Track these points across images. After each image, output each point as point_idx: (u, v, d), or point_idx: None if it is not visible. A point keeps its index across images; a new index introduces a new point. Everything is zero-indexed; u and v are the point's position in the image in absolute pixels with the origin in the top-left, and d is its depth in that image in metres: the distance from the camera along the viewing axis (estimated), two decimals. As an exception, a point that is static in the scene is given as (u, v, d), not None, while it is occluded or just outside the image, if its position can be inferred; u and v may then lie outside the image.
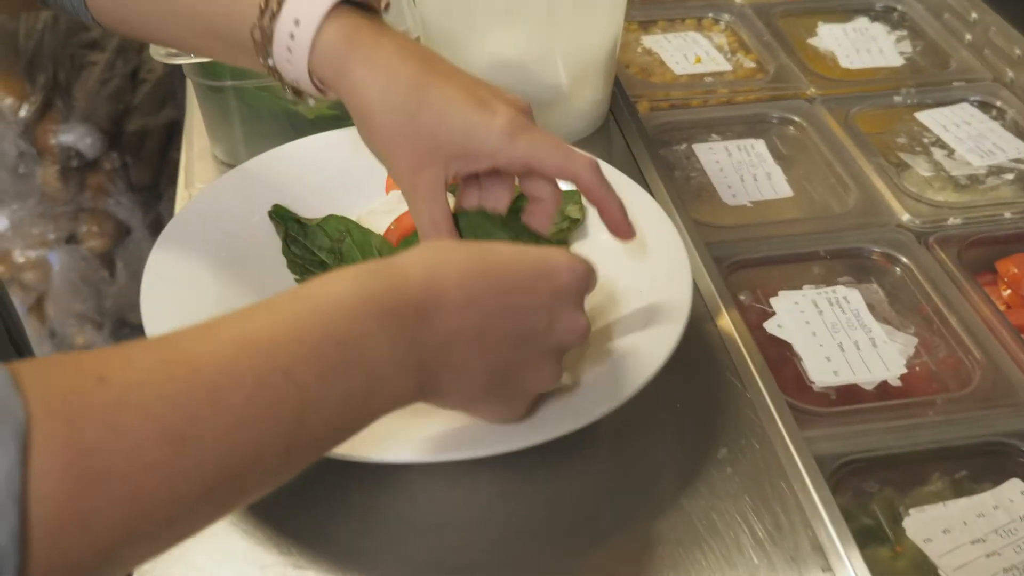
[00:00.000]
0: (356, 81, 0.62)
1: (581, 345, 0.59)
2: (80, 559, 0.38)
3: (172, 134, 1.86)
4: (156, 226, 1.81)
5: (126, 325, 1.86)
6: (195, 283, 0.70)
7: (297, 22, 0.61)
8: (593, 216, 0.78)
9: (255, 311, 0.47)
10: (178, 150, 1.86)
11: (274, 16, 0.61)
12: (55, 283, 1.83)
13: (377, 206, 0.80)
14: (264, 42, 0.62)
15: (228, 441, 0.42)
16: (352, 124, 0.85)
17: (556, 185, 0.66)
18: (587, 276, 0.57)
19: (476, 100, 0.62)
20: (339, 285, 0.49)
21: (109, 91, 1.84)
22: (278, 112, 0.86)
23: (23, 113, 1.73)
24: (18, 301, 1.81)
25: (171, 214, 1.81)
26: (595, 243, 0.77)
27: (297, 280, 0.75)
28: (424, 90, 0.61)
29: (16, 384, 0.38)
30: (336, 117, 0.87)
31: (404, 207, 0.78)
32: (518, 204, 0.68)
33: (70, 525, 0.38)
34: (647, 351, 0.65)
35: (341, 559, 0.61)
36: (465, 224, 0.67)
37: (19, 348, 0.86)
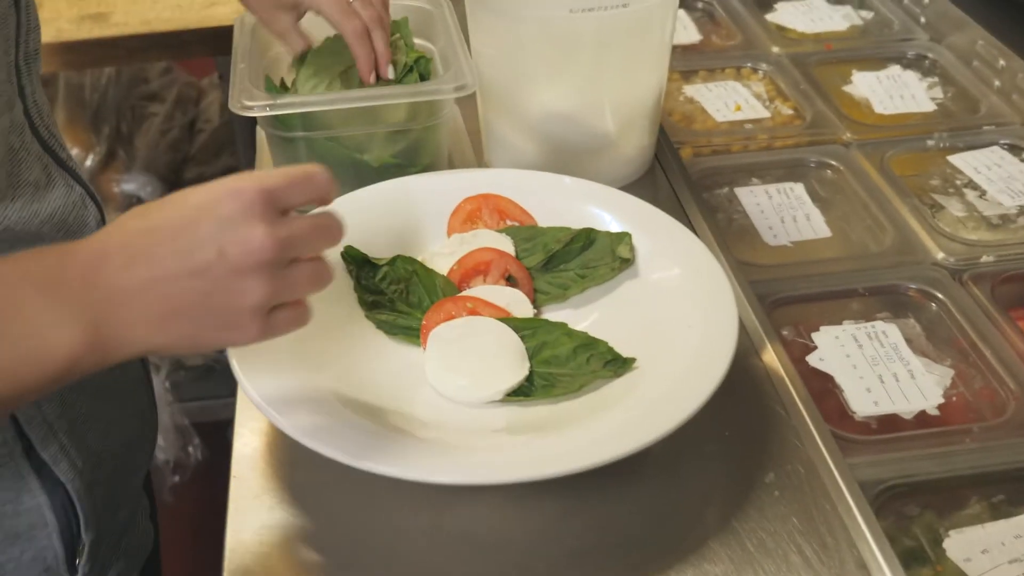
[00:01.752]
0: None
1: (273, 257, 0.57)
2: None
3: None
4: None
5: (182, 368, 1.94)
6: None
7: None
8: (644, 256, 0.83)
9: None
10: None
11: None
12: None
13: (440, 248, 0.85)
14: None
15: None
16: (414, 172, 0.92)
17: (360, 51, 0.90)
18: (253, 194, 0.57)
19: None
20: (4, 264, 0.55)
21: (168, 141, 1.92)
22: (345, 161, 0.92)
23: (89, 163, 1.81)
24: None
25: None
26: (647, 282, 0.82)
27: (367, 316, 0.80)
28: None
29: None
30: (399, 166, 0.93)
31: (465, 249, 0.84)
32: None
33: None
34: (696, 382, 0.70)
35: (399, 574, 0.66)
36: (311, 59, 0.95)
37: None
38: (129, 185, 1.83)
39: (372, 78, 0.91)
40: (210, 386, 1.91)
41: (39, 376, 0.54)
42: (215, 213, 0.56)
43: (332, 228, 0.61)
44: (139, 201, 1.86)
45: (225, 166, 1.96)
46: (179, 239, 0.56)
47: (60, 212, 0.77)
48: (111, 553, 0.82)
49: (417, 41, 1.00)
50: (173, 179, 1.89)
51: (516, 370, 0.74)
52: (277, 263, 0.57)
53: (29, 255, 0.56)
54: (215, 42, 1.53)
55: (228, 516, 0.70)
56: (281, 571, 0.66)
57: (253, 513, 0.69)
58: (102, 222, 0.83)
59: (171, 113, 1.95)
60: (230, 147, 1.98)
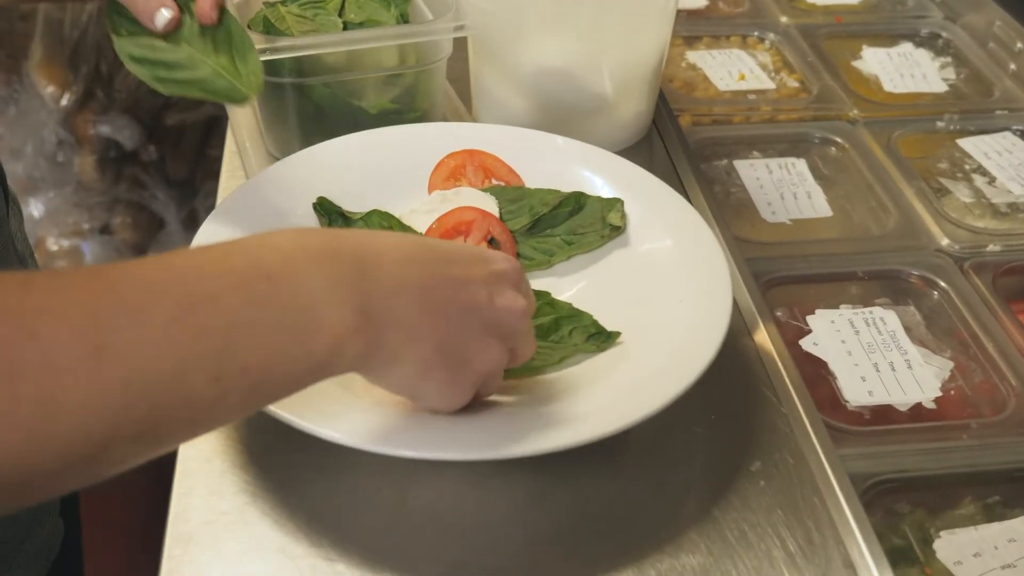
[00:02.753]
0: None
1: (522, 329, 0.59)
2: None
3: (211, 130, 1.88)
4: (190, 220, 1.83)
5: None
6: None
7: None
8: (636, 225, 0.78)
9: (186, 250, 0.49)
10: (216, 146, 1.88)
11: None
12: (87, 272, 1.85)
13: (419, 206, 0.80)
14: None
15: (148, 356, 0.42)
16: (406, 122, 0.87)
17: None
18: (520, 269, 0.60)
19: None
20: (275, 235, 0.51)
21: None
22: (341, 107, 0.86)
23: (64, 102, 1.75)
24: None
25: (207, 209, 1.82)
26: (637, 252, 0.77)
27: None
28: None
29: None
30: (397, 111, 0.88)
31: (445, 207, 0.79)
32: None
33: None
34: (685, 362, 0.65)
35: (371, 554, 0.61)
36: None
37: None
38: (105, 127, 1.77)
39: (213, 17, 0.74)
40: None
41: (300, 355, 0.48)
42: (492, 265, 0.57)
43: (531, 351, 0.63)
44: (116, 145, 1.80)
45: (208, 114, 1.90)
46: (456, 266, 0.55)
47: None
48: (10, 558, 0.76)
49: None
50: (152, 124, 1.83)
51: None
52: (517, 339, 0.58)
53: (293, 230, 0.52)
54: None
55: (175, 478, 0.65)
56: (228, 541, 0.61)
57: (202, 476, 0.65)
58: (4, 197, 0.78)
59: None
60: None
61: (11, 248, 0.81)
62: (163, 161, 1.83)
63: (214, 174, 1.87)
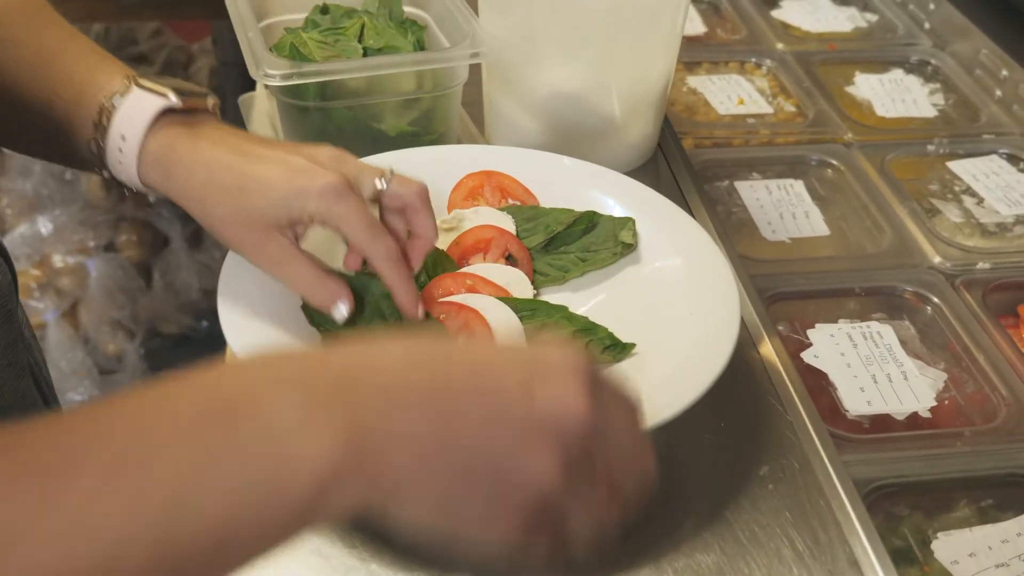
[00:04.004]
0: (181, 184, 0.66)
1: (584, 438, 0.44)
2: None
3: (214, 149, 1.91)
4: (195, 238, 1.86)
5: (158, 335, 1.91)
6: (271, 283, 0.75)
7: (123, 137, 0.66)
8: (647, 243, 0.82)
9: (128, 393, 0.40)
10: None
11: (104, 131, 0.66)
12: (91, 290, 1.88)
13: (439, 223, 0.83)
14: (99, 154, 0.67)
15: (70, 541, 0.35)
16: (423, 144, 0.91)
17: (430, 226, 0.71)
18: (588, 363, 0.46)
19: (293, 171, 0.65)
20: (241, 363, 0.43)
21: (155, 105, 1.89)
22: (362, 130, 0.90)
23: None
24: (52, 306, 1.86)
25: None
26: (648, 268, 0.81)
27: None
28: (242, 177, 0.65)
29: None
30: (415, 134, 0.92)
31: (465, 225, 0.83)
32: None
33: None
34: (697, 371, 0.69)
35: (401, 552, 0.65)
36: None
37: (41, 389, 0.81)
38: (114, 147, 1.80)
39: (420, 312, 0.71)
40: (186, 354, 1.89)
41: (273, 505, 0.39)
42: (538, 358, 0.44)
43: (646, 474, 0.48)
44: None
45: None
46: (474, 352, 0.46)
47: None
48: None
49: (407, 9, 0.99)
50: (159, 143, 1.86)
51: None
52: (586, 454, 0.44)
53: (268, 354, 0.43)
54: (211, 4, 1.50)
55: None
56: (268, 540, 0.65)
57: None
58: (13, 283, 0.74)
59: (159, 76, 1.93)
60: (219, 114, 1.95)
61: (20, 340, 0.77)
62: (168, 180, 1.86)
63: (218, 193, 1.90)
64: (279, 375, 0.41)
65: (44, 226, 1.81)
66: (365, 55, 0.93)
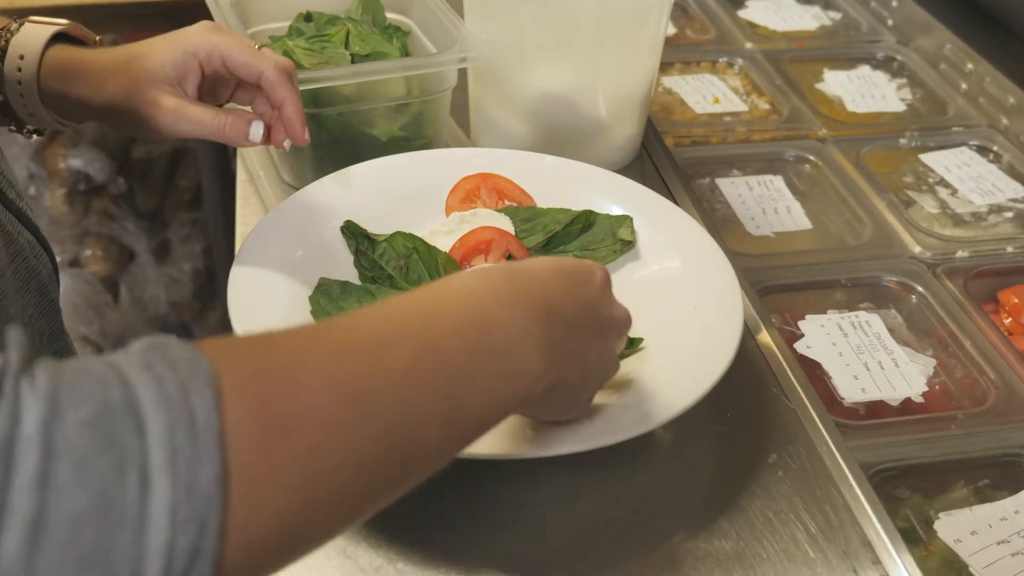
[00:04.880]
0: (79, 81, 0.74)
1: (626, 331, 0.64)
2: (272, 517, 0.38)
3: (178, 161, 1.89)
4: (161, 251, 1.84)
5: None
6: (276, 284, 0.75)
7: (22, 57, 0.73)
8: (645, 240, 0.84)
9: (389, 301, 0.51)
10: (184, 177, 1.89)
11: (2, 54, 0.74)
12: (55, 305, 1.85)
13: (439, 227, 0.85)
14: None
15: (395, 402, 0.44)
16: (415, 148, 0.91)
17: (288, 92, 0.74)
18: (608, 273, 0.63)
19: (175, 37, 0.75)
20: (460, 282, 0.53)
21: (116, 118, 1.87)
22: (354, 135, 0.91)
23: (34, 137, 1.75)
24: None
25: (181, 239, 1.82)
26: (649, 265, 0.82)
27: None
28: (129, 51, 0.74)
29: (195, 346, 0.40)
30: (407, 138, 0.92)
31: (464, 228, 0.83)
32: None
33: (262, 476, 0.38)
34: (706, 362, 0.71)
35: (428, 551, 0.65)
36: None
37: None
38: (76, 161, 1.78)
39: (304, 134, 0.75)
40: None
41: (509, 396, 0.51)
42: (597, 277, 0.60)
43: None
44: (86, 178, 1.80)
45: (174, 146, 1.91)
46: (585, 288, 0.59)
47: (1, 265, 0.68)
48: None
49: (390, 15, 1.00)
50: (122, 157, 1.84)
51: None
52: (622, 339, 0.63)
53: (473, 273, 0.54)
54: (177, 17, 1.49)
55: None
56: (292, 545, 0.65)
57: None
58: (55, 273, 0.77)
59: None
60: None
61: (62, 331, 0.80)
62: (132, 193, 1.84)
63: (184, 205, 1.89)
64: (499, 297, 0.52)
65: (6, 243, 1.78)
66: (352, 62, 0.93)
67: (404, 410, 0.44)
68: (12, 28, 0.75)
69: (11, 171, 0.76)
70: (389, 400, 0.44)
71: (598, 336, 0.59)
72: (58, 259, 1.80)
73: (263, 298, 0.74)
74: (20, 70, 0.73)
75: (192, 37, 0.74)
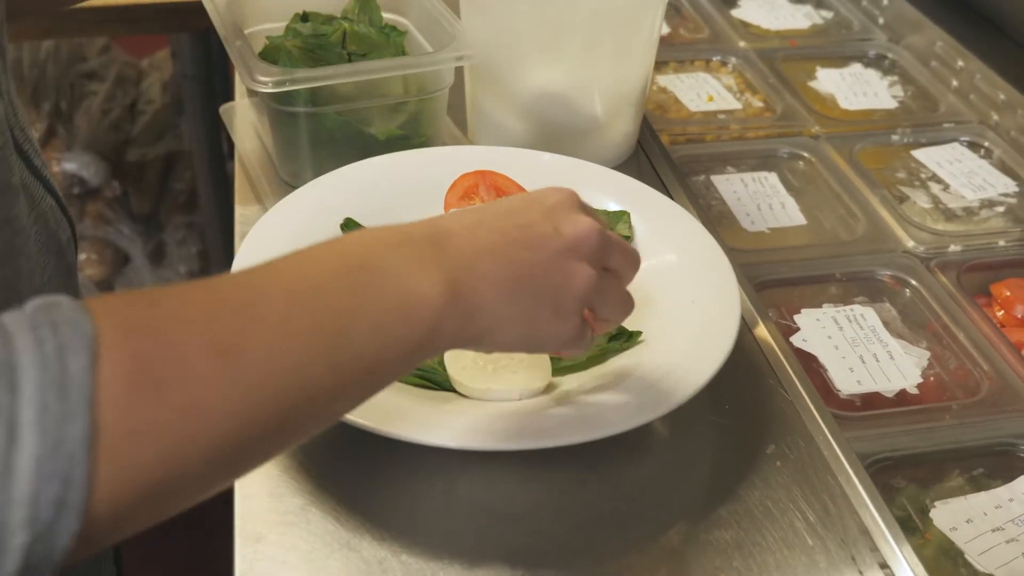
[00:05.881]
0: None
1: (598, 244, 0.60)
2: (142, 472, 0.40)
3: (172, 164, 1.90)
4: (156, 254, 1.85)
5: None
6: None
7: None
8: (642, 235, 0.84)
9: (279, 258, 0.51)
10: (179, 180, 1.90)
11: None
12: (50, 309, 1.84)
13: (437, 223, 0.85)
14: None
15: (270, 352, 0.45)
16: (413, 147, 0.92)
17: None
18: (575, 194, 0.62)
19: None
20: (348, 236, 0.55)
21: (110, 121, 1.88)
22: (353, 134, 0.91)
23: (29, 140, 1.76)
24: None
25: (177, 242, 1.82)
26: (647, 259, 0.82)
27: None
28: None
29: (83, 306, 0.42)
30: (405, 137, 0.93)
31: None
32: None
33: (132, 433, 0.40)
34: (705, 354, 0.71)
35: (431, 543, 0.65)
36: None
37: None
38: (71, 164, 1.78)
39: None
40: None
41: (407, 333, 0.50)
42: (544, 201, 0.60)
43: (635, 259, 0.64)
44: (80, 181, 1.81)
45: (167, 149, 1.92)
46: (515, 215, 0.58)
47: (25, 224, 0.68)
48: None
49: (386, 15, 1.00)
50: (116, 160, 1.84)
51: (536, 376, 0.73)
52: (599, 255, 0.60)
53: (361, 230, 0.55)
54: (169, 19, 1.50)
55: (235, 486, 0.69)
56: (295, 537, 0.65)
57: (261, 479, 0.69)
58: (73, 239, 0.77)
59: (112, 92, 1.91)
60: (173, 129, 1.94)
61: (78, 296, 0.80)
62: (127, 196, 1.85)
63: (179, 208, 1.89)
64: (387, 241, 0.53)
65: (1, 247, 1.78)
66: (349, 61, 0.94)
67: (282, 358, 0.45)
68: None
69: (35, 143, 0.74)
70: (265, 350, 0.45)
71: (540, 257, 0.57)
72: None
73: None
74: None
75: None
